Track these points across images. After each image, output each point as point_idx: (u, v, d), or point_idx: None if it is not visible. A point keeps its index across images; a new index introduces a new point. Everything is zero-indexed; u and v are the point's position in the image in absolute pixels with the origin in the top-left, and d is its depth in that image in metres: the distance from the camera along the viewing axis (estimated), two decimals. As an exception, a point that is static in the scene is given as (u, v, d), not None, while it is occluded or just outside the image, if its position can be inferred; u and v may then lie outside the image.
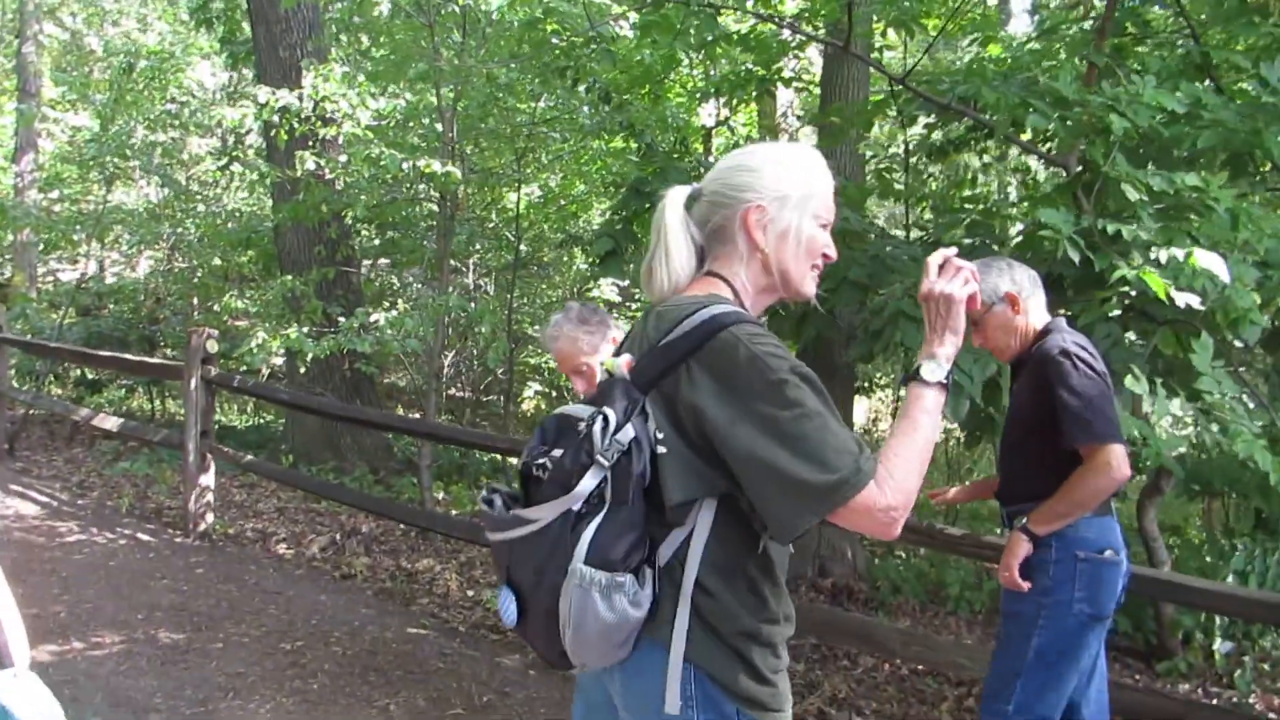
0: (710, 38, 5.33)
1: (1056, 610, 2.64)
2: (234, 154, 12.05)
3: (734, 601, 1.51)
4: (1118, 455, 2.54)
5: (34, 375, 10.48)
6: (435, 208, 7.07)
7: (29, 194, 15.91)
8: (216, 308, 11.96)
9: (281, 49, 8.77)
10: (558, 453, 1.52)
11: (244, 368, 8.50)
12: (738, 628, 1.51)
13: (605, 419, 1.47)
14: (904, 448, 1.48)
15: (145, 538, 6.14)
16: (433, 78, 6.63)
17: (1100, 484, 2.55)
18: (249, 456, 6.76)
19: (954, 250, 1.63)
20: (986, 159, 7.16)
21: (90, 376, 11.09)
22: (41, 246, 16.22)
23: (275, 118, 6.19)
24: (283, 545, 6.21)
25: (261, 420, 11.52)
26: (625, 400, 1.50)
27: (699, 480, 1.48)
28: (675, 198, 1.66)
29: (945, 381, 1.55)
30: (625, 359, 1.58)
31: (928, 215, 5.99)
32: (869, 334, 4.21)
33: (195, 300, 12.68)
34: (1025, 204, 5.34)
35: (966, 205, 5.51)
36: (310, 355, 6.19)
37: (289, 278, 6.55)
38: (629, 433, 1.46)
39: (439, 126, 6.91)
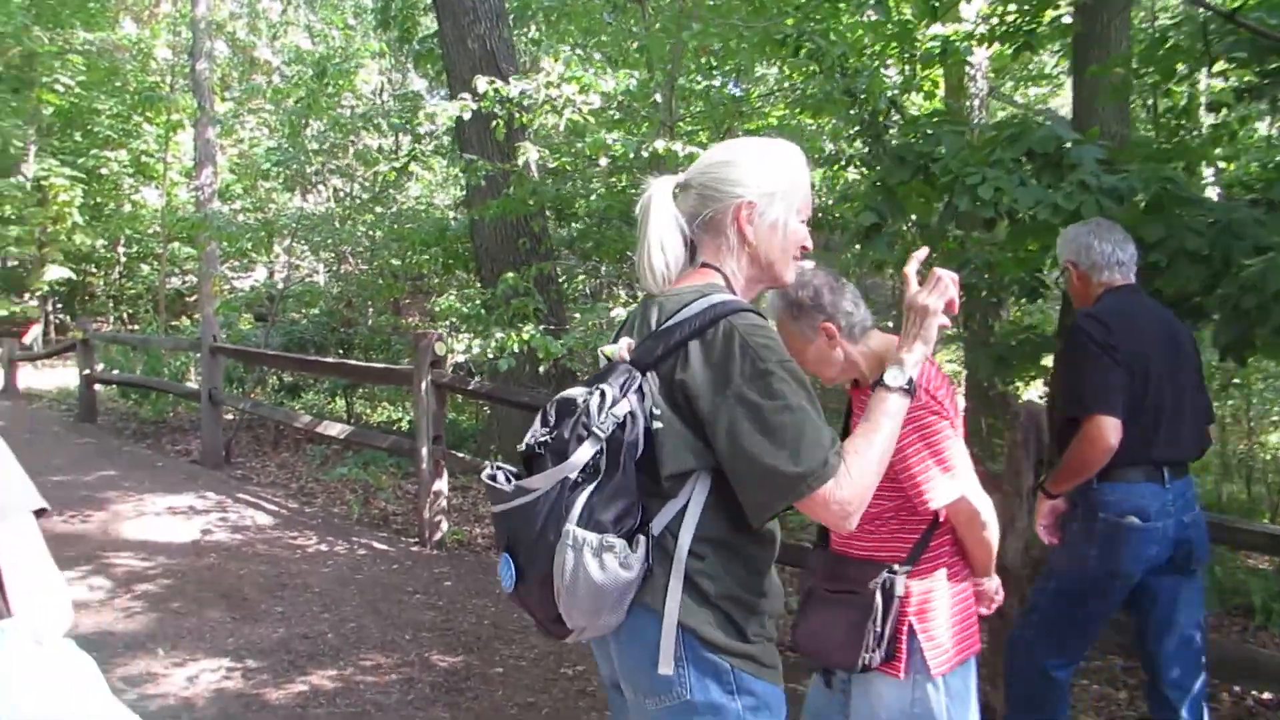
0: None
1: (1073, 561, 2.83)
2: (414, 153, 12.05)
3: (724, 570, 1.60)
4: (1101, 426, 2.63)
5: (240, 381, 10.65)
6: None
7: (210, 205, 16.43)
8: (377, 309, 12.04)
9: (470, 40, 8.56)
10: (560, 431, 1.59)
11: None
12: (727, 593, 1.60)
13: (602, 394, 1.57)
14: (865, 448, 1.59)
15: (382, 547, 5.98)
16: (647, 54, 6.24)
17: (1087, 453, 2.67)
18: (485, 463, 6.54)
19: (924, 253, 1.78)
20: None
21: (289, 381, 11.23)
22: (221, 255, 16.78)
23: (496, 108, 5.90)
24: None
25: (452, 419, 11.49)
26: (623, 377, 1.59)
27: (692, 454, 1.58)
28: (661, 190, 1.73)
29: (908, 387, 1.66)
30: (623, 344, 1.66)
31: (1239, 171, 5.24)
32: (1238, 314, 3.57)
33: (372, 304, 12.77)
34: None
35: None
36: (509, 352, 5.89)
37: (511, 275, 6.28)
38: (624, 407, 1.56)
39: (652, 107, 6.53)
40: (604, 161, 6.43)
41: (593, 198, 6.19)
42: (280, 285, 13.48)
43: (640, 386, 1.60)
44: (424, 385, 5.96)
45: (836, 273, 2.33)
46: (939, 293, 1.69)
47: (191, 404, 10.84)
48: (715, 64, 7.38)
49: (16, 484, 1.51)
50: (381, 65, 14.84)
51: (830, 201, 11.01)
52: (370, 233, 11.69)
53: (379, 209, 12.37)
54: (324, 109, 10.28)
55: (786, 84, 7.09)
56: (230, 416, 9.29)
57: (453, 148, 12.35)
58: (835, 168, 9.80)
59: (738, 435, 1.52)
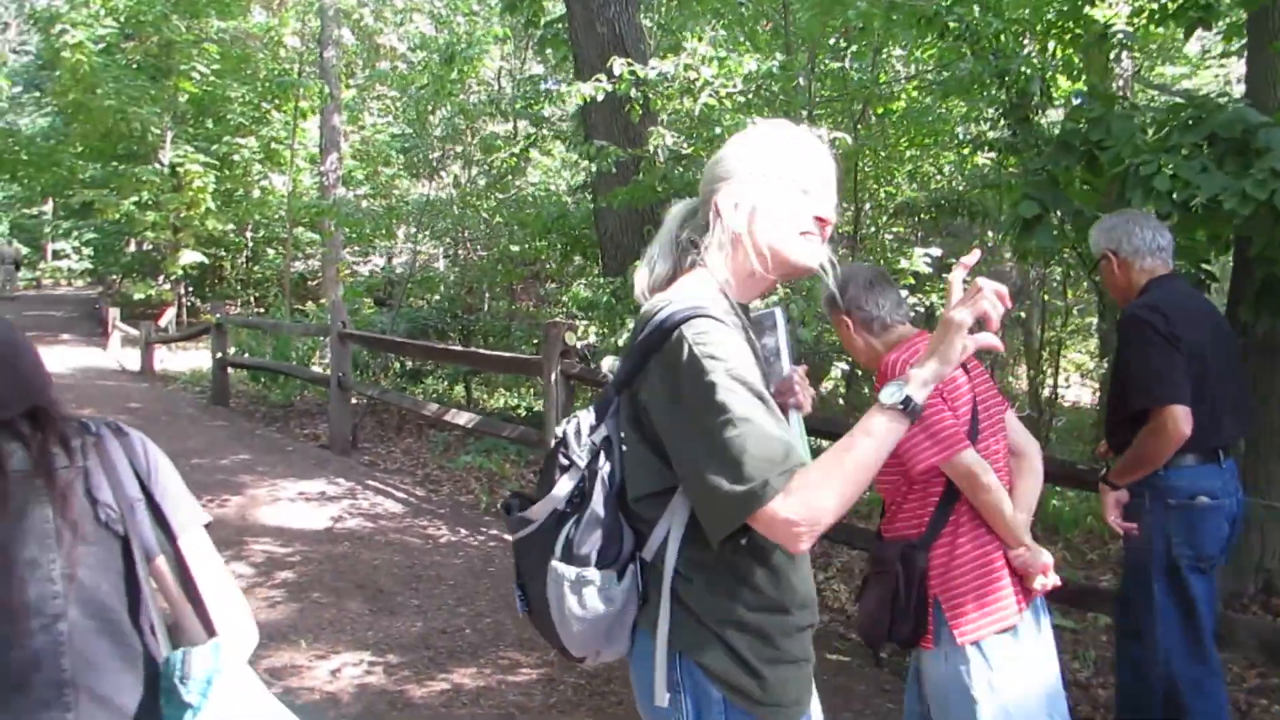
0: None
1: (1159, 557, 2.78)
2: (534, 139, 12.01)
3: (716, 590, 1.51)
4: (1175, 416, 2.62)
5: (364, 367, 10.79)
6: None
7: (335, 191, 16.77)
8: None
9: (599, 24, 8.41)
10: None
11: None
12: (721, 615, 1.50)
13: (585, 422, 1.55)
14: (828, 466, 1.40)
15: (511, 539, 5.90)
16: (784, 36, 5.97)
17: (1159, 443, 2.66)
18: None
19: (975, 257, 1.49)
20: None
21: (410, 366, 11.34)
22: (344, 240, 17.12)
23: (632, 91, 5.73)
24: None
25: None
26: (599, 402, 1.57)
27: (655, 476, 1.50)
28: (678, 208, 1.68)
29: (903, 407, 1.41)
30: (607, 363, 1.51)
31: None
32: None
33: (488, 290, 12.80)
34: None
35: None
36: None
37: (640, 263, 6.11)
38: (601, 433, 1.53)
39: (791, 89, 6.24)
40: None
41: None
42: (400, 271, 13.67)
43: (617, 408, 1.55)
44: (554, 376, 5.84)
45: (877, 269, 2.61)
46: (972, 306, 1.40)
47: (318, 388, 11.06)
48: (850, 45, 7.04)
49: (186, 500, 1.50)
50: (503, 51, 14.86)
51: (961, 187, 10.57)
52: (491, 218, 11.72)
53: (499, 194, 12.40)
54: (450, 94, 10.27)
55: (911, 65, 6.70)
56: (356, 401, 9.39)
57: (574, 133, 12.31)
58: (965, 151, 9.39)
59: (682, 452, 1.45)
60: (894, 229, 10.76)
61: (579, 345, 6.61)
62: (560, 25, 10.51)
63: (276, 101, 18.55)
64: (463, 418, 7.26)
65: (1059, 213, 4.67)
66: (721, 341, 1.45)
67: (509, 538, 1.66)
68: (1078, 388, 13.84)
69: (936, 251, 7.84)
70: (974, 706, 2.22)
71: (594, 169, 6.90)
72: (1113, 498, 2.90)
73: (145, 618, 1.40)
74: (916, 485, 2.32)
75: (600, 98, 5.92)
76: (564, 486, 1.53)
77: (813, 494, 1.38)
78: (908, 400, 1.41)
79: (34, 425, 1.37)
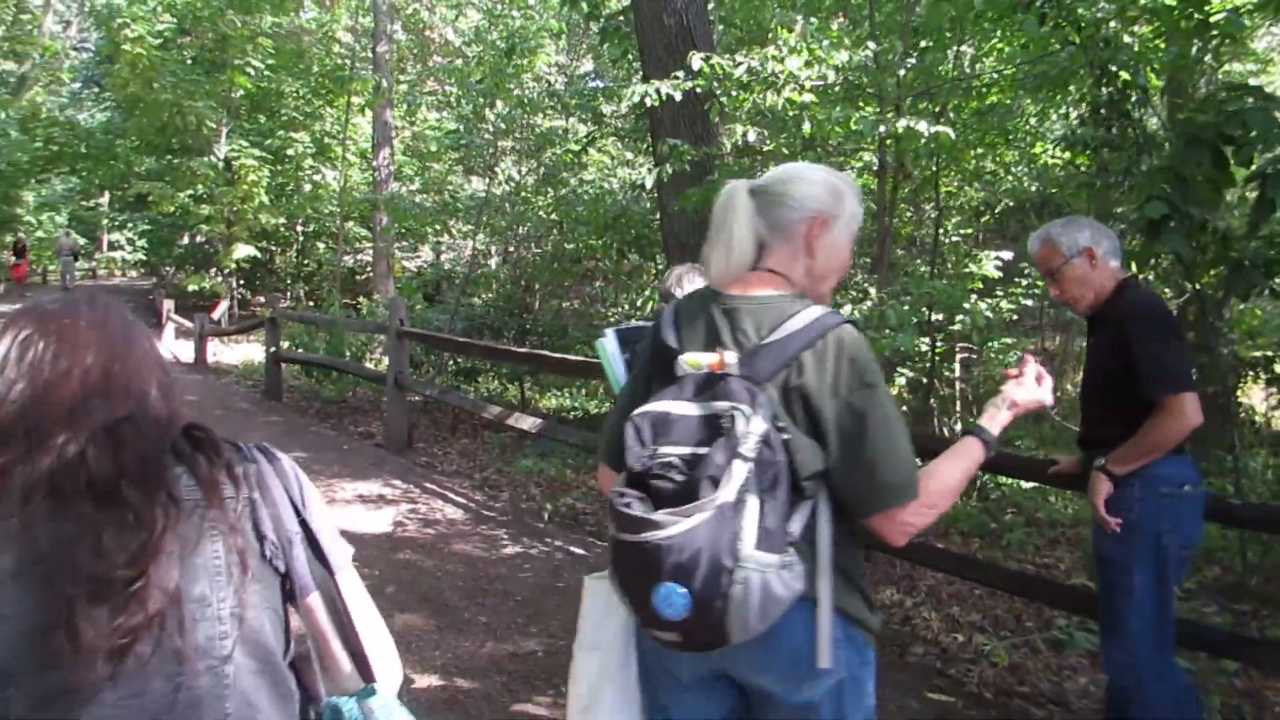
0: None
1: (1149, 546, 2.80)
2: (593, 135, 11.78)
3: (853, 550, 1.72)
4: (1190, 403, 2.69)
5: (417, 365, 10.63)
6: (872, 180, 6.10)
7: (388, 186, 16.67)
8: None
9: (666, 15, 8.12)
10: (686, 450, 1.58)
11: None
12: (856, 570, 1.72)
13: (744, 415, 1.57)
14: (949, 479, 1.75)
15: (579, 551, 5.66)
16: (870, 26, 5.67)
17: (1175, 429, 2.73)
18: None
19: (1031, 368, 1.96)
20: None
21: (465, 365, 11.17)
22: (396, 234, 17.01)
23: (714, 86, 5.45)
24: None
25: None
26: (751, 395, 1.60)
27: (816, 458, 1.63)
28: (742, 189, 1.80)
29: (990, 442, 1.83)
30: (713, 356, 1.66)
31: None
32: None
33: (539, 288, 12.59)
34: None
35: None
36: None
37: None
38: (760, 425, 1.56)
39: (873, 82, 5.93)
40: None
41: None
42: (449, 267, 13.51)
43: (759, 401, 1.60)
44: (626, 382, 5.59)
45: (694, 266, 2.96)
46: (1030, 396, 1.93)
47: (372, 385, 10.92)
48: (931, 38, 6.71)
49: (336, 535, 1.41)
50: (556, 46, 14.65)
51: (1033, 187, 10.16)
52: (548, 215, 11.50)
53: (553, 191, 12.19)
54: (507, 89, 10.06)
55: (982, 61, 6.35)
56: (412, 400, 9.21)
57: (633, 130, 12.04)
58: (1039, 149, 8.99)
59: (849, 439, 1.62)
60: (962, 231, 10.39)
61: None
62: (622, 19, 10.26)
63: (329, 96, 18.52)
64: (526, 422, 7.01)
65: (1193, 213, 4.34)
66: (871, 351, 1.69)
67: (629, 538, 1.56)
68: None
69: (1007, 255, 7.50)
70: None
71: (656, 168, 6.63)
72: (1107, 488, 2.88)
73: (290, 656, 1.33)
74: None
75: (679, 96, 5.65)
76: (738, 477, 1.53)
77: (933, 502, 1.70)
78: (994, 439, 1.85)
79: (195, 447, 1.26)
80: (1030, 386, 1.92)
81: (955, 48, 6.93)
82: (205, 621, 1.21)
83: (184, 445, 1.27)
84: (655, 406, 1.65)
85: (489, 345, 8.67)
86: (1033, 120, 9.19)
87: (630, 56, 11.13)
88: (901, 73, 5.26)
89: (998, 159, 8.98)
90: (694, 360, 1.68)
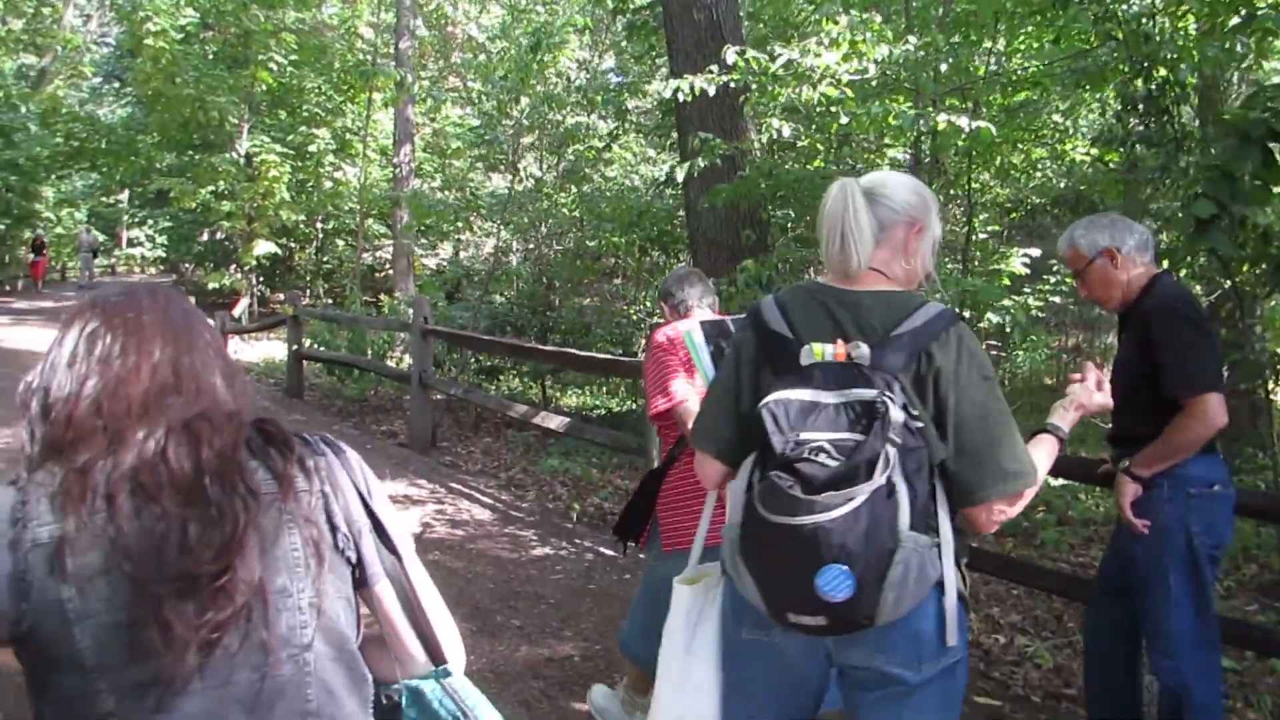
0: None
1: (1180, 548, 2.77)
2: (617, 132, 11.69)
3: (961, 538, 1.79)
4: (1214, 404, 2.67)
5: (439, 363, 10.57)
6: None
7: (409, 183, 16.63)
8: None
9: (696, 10, 8.04)
10: (832, 435, 1.65)
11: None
12: (963, 554, 1.81)
13: (894, 403, 1.65)
14: (1040, 471, 1.84)
15: (608, 552, 5.56)
16: (907, 17, 5.56)
17: (1198, 431, 2.70)
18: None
19: (1092, 373, 2.15)
20: None
21: (489, 363, 11.10)
22: (416, 232, 16.95)
23: (748, 80, 5.36)
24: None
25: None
26: (894, 385, 1.69)
27: (940, 447, 1.74)
28: (856, 186, 1.86)
29: (1062, 436, 2.03)
30: (838, 347, 1.74)
31: None
32: None
33: (559, 285, 12.51)
34: None
35: None
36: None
37: (750, 263, 5.76)
38: (899, 414, 1.65)
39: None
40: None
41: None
42: (471, 265, 13.44)
43: (897, 390, 1.69)
44: (658, 382, 5.50)
45: (694, 271, 3.32)
46: (1095, 398, 2.12)
47: (394, 383, 10.86)
48: (967, 31, 6.59)
49: (399, 524, 1.41)
50: (580, 41, 14.57)
51: (1063, 184, 10.01)
52: (571, 211, 11.42)
53: (575, 188, 12.11)
54: (532, 84, 9.99)
55: (1019, 55, 6.24)
56: (438, 397, 9.15)
57: (659, 127, 11.95)
58: (1069, 146, 8.85)
59: (970, 429, 1.73)
60: (990, 228, 10.26)
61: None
62: (649, 12, 10.18)
63: (351, 92, 18.48)
64: (553, 421, 6.93)
65: (1239, 212, 4.23)
66: (981, 347, 1.81)
67: (788, 520, 1.62)
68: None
69: (1035, 252, 7.40)
70: (651, 594, 2.92)
71: (683, 164, 6.54)
72: (1133, 489, 2.86)
73: (359, 641, 1.37)
74: (665, 428, 3.07)
75: (713, 90, 5.56)
76: (893, 462, 1.61)
77: (1030, 493, 1.80)
78: (1064, 434, 2.03)
79: (267, 441, 1.28)
80: (1093, 390, 2.10)
81: (991, 43, 6.81)
82: (287, 612, 1.24)
83: (256, 439, 1.28)
84: (790, 394, 1.70)
85: (514, 343, 8.59)
86: (1059, 117, 9.07)
87: (655, 52, 11.05)
88: (943, 67, 5.14)
89: (1026, 155, 8.87)
90: (820, 350, 1.75)
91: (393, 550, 1.37)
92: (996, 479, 1.73)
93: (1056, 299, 8.21)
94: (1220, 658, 2.93)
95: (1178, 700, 2.82)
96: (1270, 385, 7.35)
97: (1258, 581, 5.54)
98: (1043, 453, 1.94)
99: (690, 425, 2.47)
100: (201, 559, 1.16)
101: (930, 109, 5.34)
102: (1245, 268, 6.14)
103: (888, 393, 1.66)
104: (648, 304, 13.03)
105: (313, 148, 17.96)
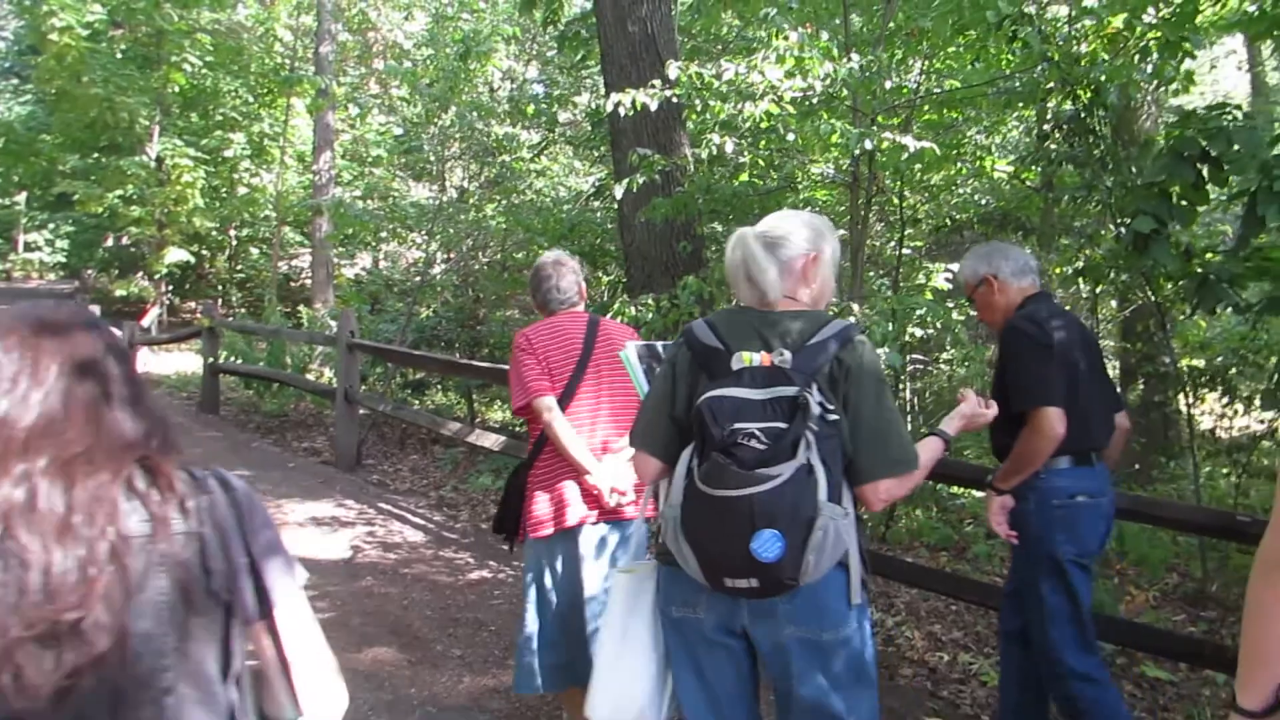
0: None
1: (1045, 557, 2.93)
2: (544, 143, 11.55)
3: (857, 519, 2.14)
4: (1051, 417, 2.83)
5: (367, 378, 10.27)
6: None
7: (329, 191, 16.22)
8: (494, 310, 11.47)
9: (630, 22, 7.98)
10: (760, 425, 1.97)
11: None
12: (864, 538, 2.17)
13: (812, 398, 1.99)
14: (923, 462, 2.20)
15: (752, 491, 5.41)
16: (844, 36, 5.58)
17: (1037, 442, 2.86)
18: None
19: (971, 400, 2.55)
20: None
21: (416, 378, 10.83)
22: (334, 240, 16.53)
23: (691, 95, 5.30)
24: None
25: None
26: (811, 384, 2.02)
27: (847, 441, 2.08)
28: (750, 235, 2.25)
29: (948, 440, 2.43)
30: (765, 354, 2.08)
31: None
32: None
33: (483, 298, 12.30)
34: None
35: None
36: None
37: (691, 279, 5.69)
38: (817, 408, 1.99)
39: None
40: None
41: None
42: (390, 275, 13.13)
43: (816, 390, 2.01)
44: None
45: (562, 254, 3.46)
46: (975, 410, 2.52)
47: (316, 398, 10.53)
48: (904, 50, 6.65)
49: (286, 560, 1.38)
50: (508, 51, 14.39)
51: (984, 201, 10.20)
52: (499, 223, 11.22)
53: (502, 199, 11.92)
54: (460, 92, 9.79)
55: (944, 74, 6.35)
56: (364, 412, 8.88)
57: (590, 139, 11.84)
58: (988, 162, 9.01)
59: (868, 419, 2.06)
60: (913, 243, 10.40)
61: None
62: (582, 24, 10.08)
63: (269, 96, 17.95)
64: (488, 439, 6.75)
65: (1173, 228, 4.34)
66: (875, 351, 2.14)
67: (731, 493, 1.93)
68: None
69: (956, 268, 7.51)
70: (529, 586, 3.22)
71: (620, 180, 6.45)
72: (998, 503, 3.07)
73: (232, 686, 1.33)
74: (531, 422, 3.24)
75: (655, 106, 5.48)
76: (811, 446, 1.94)
77: (916, 477, 2.16)
78: (949, 439, 2.42)
79: (149, 481, 1.25)
80: (974, 406, 2.48)
81: (926, 61, 6.90)
82: (149, 655, 1.21)
83: (138, 478, 1.24)
84: (724, 393, 2.02)
85: (448, 360, 8.37)
86: (980, 136, 9.22)
87: (586, 63, 10.96)
88: (888, 84, 5.15)
89: (950, 174, 9.01)
90: (748, 357, 2.07)
91: (266, 597, 1.33)
92: (886, 463, 2.06)
93: (974, 313, 8.35)
94: (1098, 659, 3.03)
95: (1071, 706, 2.97)
96: (1182, 397, 7.53)
97: (1182, 591, 5.65)
98: (926, 448, 2.29)
99: (545, 415, 3.11)
100: (63, 603, 1.12)
101: (874, 127, 5.36)
102: (1166, 283, 6.32)
103: (806, 390, 1.98)
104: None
105: (228, 152, 17.38)
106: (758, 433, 1.95)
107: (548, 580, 3.15)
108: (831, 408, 2.01)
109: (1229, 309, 5.00)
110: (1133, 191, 4.62)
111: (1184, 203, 4.51)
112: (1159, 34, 4.93)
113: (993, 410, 2.48)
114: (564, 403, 3.11)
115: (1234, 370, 6.77)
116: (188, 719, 1.24)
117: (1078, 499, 2.93)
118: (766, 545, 1.89)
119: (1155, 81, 6.17)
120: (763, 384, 2.01)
